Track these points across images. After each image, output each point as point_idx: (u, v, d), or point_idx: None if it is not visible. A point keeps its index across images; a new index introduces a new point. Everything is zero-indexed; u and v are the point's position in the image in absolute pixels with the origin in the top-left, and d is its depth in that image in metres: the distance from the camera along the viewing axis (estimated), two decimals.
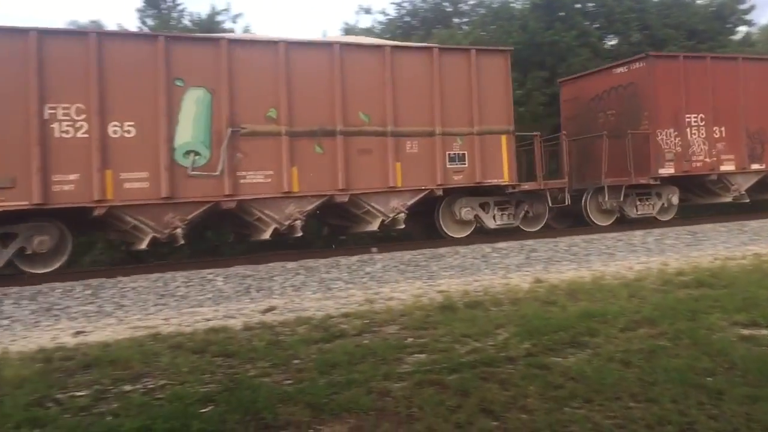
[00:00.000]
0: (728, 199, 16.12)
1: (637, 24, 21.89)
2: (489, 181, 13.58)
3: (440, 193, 13.20)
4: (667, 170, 15.20)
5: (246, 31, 18.85)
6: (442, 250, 12.15)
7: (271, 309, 8.27)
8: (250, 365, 5.52)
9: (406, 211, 12.89)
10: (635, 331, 6.07)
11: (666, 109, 15.21)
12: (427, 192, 13.09)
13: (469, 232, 13.81)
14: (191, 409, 4.34)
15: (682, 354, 5.28)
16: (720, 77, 15.82)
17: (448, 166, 13.20)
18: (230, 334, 6.65)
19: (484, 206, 13.96)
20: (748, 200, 16.25)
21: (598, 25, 22.18)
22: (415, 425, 4.11)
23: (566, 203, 14.54)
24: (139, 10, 18.42)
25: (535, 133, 14.82)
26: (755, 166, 16.24)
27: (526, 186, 14.06)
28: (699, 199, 16.68)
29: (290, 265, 11.07)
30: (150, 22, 18.21)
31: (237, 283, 9.95)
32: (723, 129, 15.78)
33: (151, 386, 5.05)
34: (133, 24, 20.96)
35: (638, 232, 13.92)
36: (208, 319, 7.78)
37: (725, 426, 3.97)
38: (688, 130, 15.43)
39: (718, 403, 4.29)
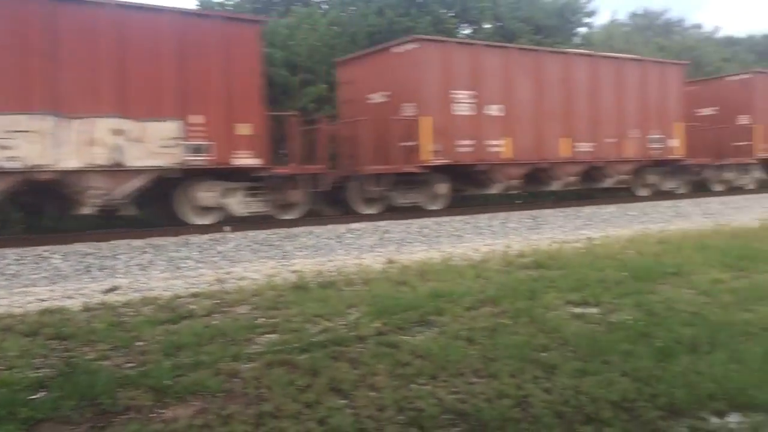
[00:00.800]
0: None
1: (490, 14, 22.75)
2: None
3: None
4: None
5: None
6: (296, 230, 12.08)
7: (113, 289, 7.85)
8: (88, 348, 5.22)
9: None
10: (479, 310, 6.34)
11: None
12: None
13: None
14: (19, 396, 4.04)
15: (521, 331, 5.58)
16: None
17: None
18: (67, 316, 6.23)
19: None
20: None
21: (453, 13, 22.81)
22: (263, 406, 4.06)
23: None
24: None
25: None
26: None
27: None
28: None
29: (136, 243, 10.56)
30: None
31: (77, 261, 9.35)
32: None
33: None
34: None
35: (484, 216, 14.56)
36: (43, 300, 7.26)
37: (557, 398, 4.24)
38: None
39: (551, 377, 4.58)
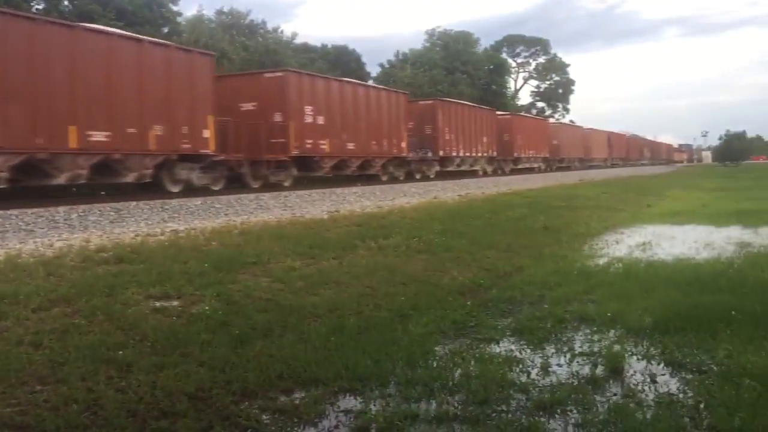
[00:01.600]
0: None
1: None
2: None
3: None
4: None
5: None
6: None
7: None
8: None
9: None
10: (50, 310, 5.79)
11: None
12: None
13: None
14: None
15: (96, 330, 5.26)
16: None
17: None
18: None
19: None
20: None
21: None
22: None
23: None
24: None
25: None
26: None
27: None
28: None
29: None
30: None
31: None
32: None
33: None
34: None
35: (62, 208, 13.42)
36: None
37: (131, 397, 4.09)
38: None
39: (127, 375, 4.41)
